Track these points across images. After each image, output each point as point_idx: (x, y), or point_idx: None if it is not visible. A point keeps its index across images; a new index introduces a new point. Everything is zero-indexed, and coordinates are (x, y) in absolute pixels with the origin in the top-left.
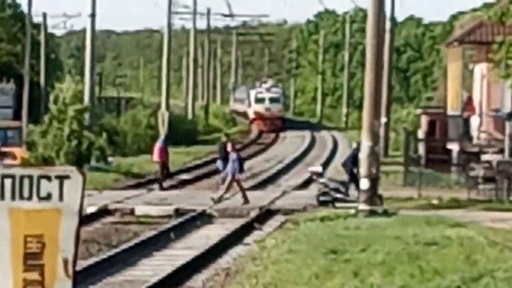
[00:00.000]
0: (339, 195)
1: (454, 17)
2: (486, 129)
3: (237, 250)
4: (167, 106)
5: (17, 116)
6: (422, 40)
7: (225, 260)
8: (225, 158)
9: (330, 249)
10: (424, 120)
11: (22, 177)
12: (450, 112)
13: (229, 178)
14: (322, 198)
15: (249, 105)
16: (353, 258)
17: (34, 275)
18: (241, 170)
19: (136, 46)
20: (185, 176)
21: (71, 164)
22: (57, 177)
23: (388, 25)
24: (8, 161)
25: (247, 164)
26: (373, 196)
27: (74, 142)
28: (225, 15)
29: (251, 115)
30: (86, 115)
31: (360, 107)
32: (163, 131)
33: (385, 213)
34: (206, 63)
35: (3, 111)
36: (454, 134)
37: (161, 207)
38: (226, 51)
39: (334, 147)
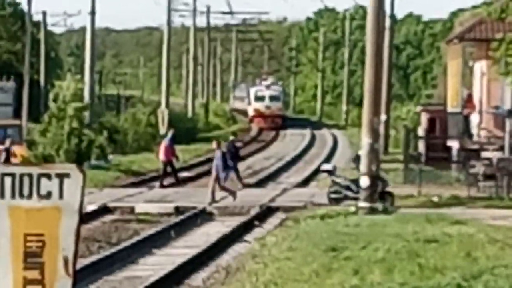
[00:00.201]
0: (350, 193)
1: (454, 14)
2: (486, 127)
3: (237, 248)
4: (167, 104)
5: (17, 114)
6: (422, 38)
7: (225, 258)
8: (234, 157)
9: (330, 246)
10: (424, 117)
11: (22, 176)
12: (450, 109)
13: (214, 175)
14: (333, 196)
15: (249, 103)
16: (353, 255)
17: (34, 274)
18: (225, 168)
19: (136, 44)
20: (185, 174)
21: (71, 162)
22: (57, 175)
23: (388, 22)
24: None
25: (247, 162)
26: (373, 193)
27: (74, 140)
28: (224, 13)
29: (251, 113)
30: (86, 113)
31: (360, 104)
32: (163, 129)
33: (385, 211)
34: (206, 61)
35: (3, 109)
36: (454, 132)
37: (161, 204)
38: (226, 48)
39: (334, 145)
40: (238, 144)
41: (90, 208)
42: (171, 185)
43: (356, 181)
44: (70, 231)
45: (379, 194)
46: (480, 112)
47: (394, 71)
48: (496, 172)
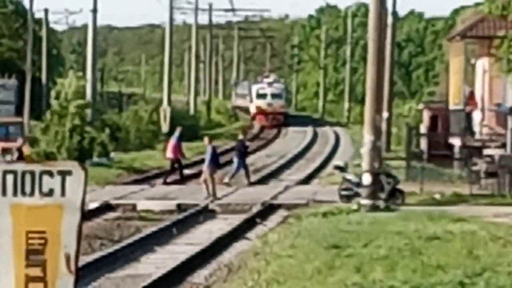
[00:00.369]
0: (361, 190)
1: (456, 12)
2: (488, 124)
3: (239, 245)
4: (169, 102)
5: (19, 111)
6: (424, 35)
7: (228, 255)
8: (243, 155)
9: (333, 244)
10: (426, 115)
11: (24, 173)
12: (452, 107)
13: (206, 172)
14: (344, 193)
15: (251, 100)
16: (356, 253)
17: (36, 271)
18: (216, 164)
19: (138, 42)
20: (187, 171)
21: (73, 160)
22: (59, 172)
23: (390, 19)
24: (9, 156)
25: (249, 160)
26: (376, 191)
27: (76, 138)
28: (226, 10)
29: (253, 110)
30: (88, 111)
31: (362, 102)
32: (165, 126)
33: (387, 208)
34: (208, 58)
35: (5, 107)
36: (456, 129)
37: (163, 202)
38: (228, 46)
39: (336, 143)
40: (206, 140)
41: (92, 205)
42: (175, 182)
43: None
44: (72, 228)
45: (390, 192)
46: (482, 110)
47: (396, 68)
48: (498, 170)
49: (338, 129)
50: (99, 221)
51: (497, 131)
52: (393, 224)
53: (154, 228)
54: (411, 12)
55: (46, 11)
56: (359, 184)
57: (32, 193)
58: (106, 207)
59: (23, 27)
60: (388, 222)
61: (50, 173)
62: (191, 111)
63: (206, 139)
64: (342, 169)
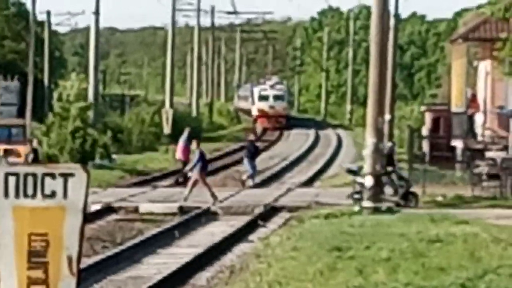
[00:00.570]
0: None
1: (458, 14)
2: (490, 126)
3: (242, 248)
4: (171, 104)
5: (21, 113)
6: (426, 37)
7: (230, 258)
8: (253, 156)
9: (335, 246)
10: (428, 117)
11: (26, 175)
12: (454, 109)
13: (196, 175)
14: (356, 196)
15: (253, 102)
16: (358, 255)
17: (38, 273)
18: (204, 168)
19: (140, 44)
20: (188, 174)
21: (75, 162)
22: (61, 174)
23: (392, 22)
24: (12, 158)
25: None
26: (379, 193)
27: (79, 140)
28: (229, 13)
29: (255, 112)
30: (90, 113)
31: (364, 104)
32: (167, 129)
33: (389, 211)
34: (210, 60)
35: (7, 109)
36: (458, 131)
37: (165, 204)
38: (230, 48)
39: (338, 145)
40: (194, 144)
41: (94, 207)
42: (179, 184)
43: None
44: (74, 230)
45: (403, 195)
46: (484, 112)
47: (398, 70)
48: (500, 172)
49: (340, 131)
50: (101, 223)
51: (499, 133)
52: (395, 226)
53: (156, 231)
54: (413, 15)
55: (48, 13)
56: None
57: (34, 195)
58: (108, 209)
59: (26, 29)
60: (390, 224)
61: (53, 175)
62: (193, 113)
63: (194, 143)
64: (354, 172)
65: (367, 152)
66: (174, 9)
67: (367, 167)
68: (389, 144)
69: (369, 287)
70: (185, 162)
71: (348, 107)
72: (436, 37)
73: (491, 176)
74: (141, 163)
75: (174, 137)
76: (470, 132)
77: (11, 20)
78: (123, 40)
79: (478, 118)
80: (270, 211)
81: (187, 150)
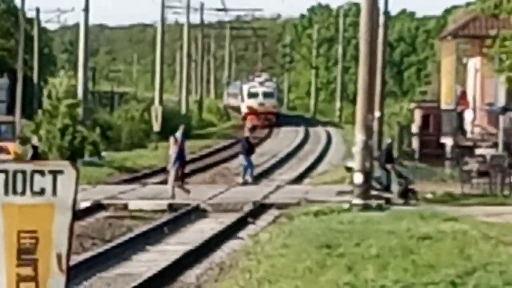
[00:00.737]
0: (373, 191)
1: (447, 11)
2: (480, 123)
3: (231, 245)
4: (161, 101)
5: (10, 111)
6: (416, 34)
7: (219, 255)
8: (248, 153)
9: (324, 243)
10: (418, 114)
11: (15, 172)
12: (444, 106)
13: (174, 170)
14: None
15: (242, 100)
16: (347, 252)
17: (27, 270)
18: (182, 164)
19: (129, 41)
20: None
21: (64, 159)
22: (51, 172)
23: (381, 19)
24: (1, 156)
25: (240, 159)
26: (367, 190)
27: (68, 137)
28: (218, 10)
29: (244, 110)
30: (80, 110)
31: (353, 101)
32: (157, 126)
33: (379, 208)
34: (200, 57)
35: None
36: (448, 128)
37: (154, 201)
38: (219, 45)
39: (327, 142)
40: (172, 140)
41: (83, 205)
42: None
43: (378, 179)
44: (63, 227)
45: (402, 192)
46: (474, 109)
47: (388, 68)
48: (489, 169)
49: (330, 128)
50: (90, 220)
51: (488, 130)
52: (384, 223)
53: (145, 228)
54: (403, 11)
55: (37, 10)
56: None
57: (23, 192)
58: (98, 207)
59: (15, 26)
60: (380, 221)
61: (42, 173)
62: (183, 111)
63: (172, 139)
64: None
65: (357, 149)
66: (163, 6)
67: (356, 164)
68: (388, 140)
69: (358, 284)
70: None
71: (338, 104)
72: (426, 34)
73: (481, 173)
74: (130, 160)
75: (163, 135)
76: (459, 129)
77: (0, 17)
78: (113, 37)
79: (468, 115)
80: (260, 208)
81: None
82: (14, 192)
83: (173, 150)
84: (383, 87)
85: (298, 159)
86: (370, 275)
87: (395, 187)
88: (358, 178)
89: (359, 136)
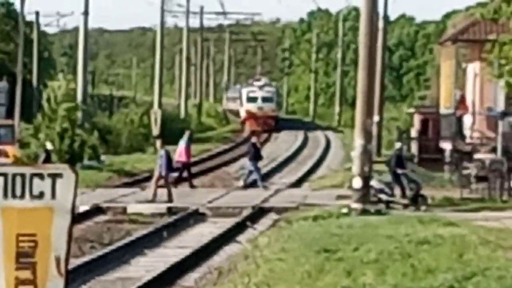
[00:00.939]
0: (384, 196)
1: (447, 16)
2: (479, 128)
3: (230, 249)
4: (160, 105)
5: (9, 114)
6: (415, 39)
7: (218, 259)
8: (254, 157)
9: (323, 247)
10: (417, 119)
11: (14, 176)
12: (443, 111)
13: (156, 175)
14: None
15: (241, 104)
16: (346, 256)
17: (26, 274)
18: (169, 168)
19: (129, 45)
20: (176, 175)
21: (63, 163)
22: (50, 175)
23: (381, 23)
24: (0, 159)
25: (240, 163)
26: (366, 194)
27: (67, 141)
28: (218, 14)
29: (243, 114)
30: (79, 114)
31: (353, 105)
32: (156, 130)
33: (378, 212)
34: (199, 61)
35: None
36: (447, 133)
37: (153, 205)
38: (219, 49)
39: (326, 146)
40: (159, 143)
41: (82, 208)
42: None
43: (389, 184)
44: (62, 231)
45: (413, 197)
46: (473, 114)
47: (387, 72)
48: (488, 174)
49: (328, 133)
50: (89, 224)
51: (487, 135)
52: (383, 228)
53: (144, 231)
54: (402, 16)
55: (37, 13)
56: (382, 190)
57: (22, 196)
58: (97, 210)
59: (14, 29)
60: (379, 226)
61: (41, 176)
62: (182, 114)
63: (158, 143)
64: None
65: (356, 153)
66: (163, 10)
67: (355, 168)
68: (398, 144)
69: None
70: (187, 164)
71: (337, 108)
72: (425, 39)
73: (480, 178)
74: (129, 164)
75: (162, 138)
76: (458, 134)
77: (0, 21)
78: (112, 41)
79: (467, 120)
80: (259, 213)
81: (189, 152)
82: (13, 195)
83: (160, 155)
84: (382, 91)
85: (297, 163)
86: (368, 279)
87: (406, 192)
88: (357, 182)
89: (358, 141)
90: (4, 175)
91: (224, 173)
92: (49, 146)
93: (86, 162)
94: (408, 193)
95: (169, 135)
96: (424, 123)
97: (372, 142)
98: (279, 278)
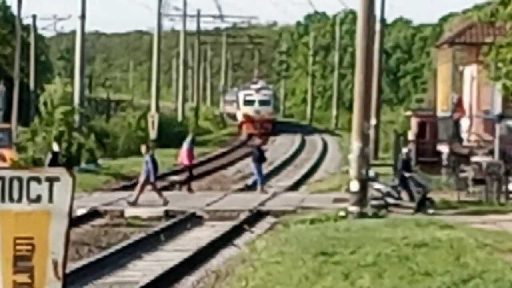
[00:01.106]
0: (391, 200)
1: (444, 19)
2: (476, 131)
3: (227, 252)
4: (157, 108)
5: (7, 118)
6: (412, 42)
7: (215, 262)
8: (259, 160)
9: (320, 251)
10: (414, 122)
11: (11, 179)
12: (440, 113)
13: (142, 180)
14: (374, 203)
15: (238, 107)
16: (343, 260)
17: (23, 277)
18: (155, 171)
19: (126, 48)
20: (174, 178)
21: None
22: (47, 179)
23: (378, 26)
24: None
25: (237, 166)
26: (363, 198)
27: (64, 144)
28: (215, 17)
29: (240, 118)
30: (76, 117)
31: (350, 109)
32: (153, 133)
33: (375, 215)
34: (196, 64)
35: None
36: (444, 136)
37: (151, 209)
38: (216, 52)
39: (324, 150)
40: (144, 148)
41: (80, 212)
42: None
43: (395, 188)
44: (59, 234)
45: (420, 201)
46: (470, 117)
47: (384, 75)
48: (485, 177)
49: (326, 136)
50: (86, 227)
51: (485, 138)
52: (380, 231)
53: (141, 235)
54: (399, 19)
55: (34, 17)
56: (389, 194)
57: (20, 199)
58: (94, 214)
59: (11, 33)
60: (376, 229)
61: (38, 179)
62: (179, 118)
63: (143, 147)
64: (372, 179)
65: (353, 156)
66: (160, 14)
67: (352, 171)
68: (405, 149)
69: None
70: (190, 167)
71: (334, 111)
72: (422, 42)
73: (477, 181)
74: (126, 168)
75: (160, 142)
76: (455, 136)
77: None
78: (109, 44)
79: (464, 123)
80: (256, 216)
81: (190, 155)
82: (11, 199)
83: (146, 160)
84: (379, 94)
85: (294, 167)
86: (366, 282)
87: (413, 196)
88: (354, 185)
89: (355, 144)
90: (2, 178)
91: (222, 176)
92: (55, 148)
93: (83, 165)
94: (416, 196)
95: (166, 138)
96: (421, 126)
97: (369, 145)
98: (277, 281)
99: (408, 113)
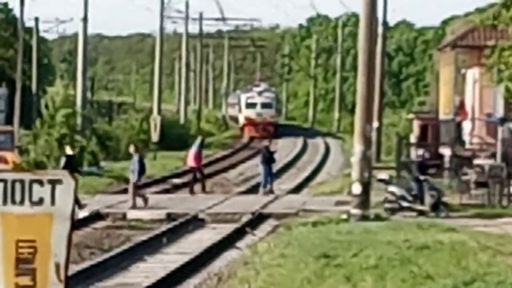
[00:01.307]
0: (405, 203)
1: (446, 22)
2: (478, 134)
3: (229, 255)
4: (159, 111)
5: (9, 120)
6: (414, 45)
7: (217, 265)
8: (268, 162)
9: (322, 253)
10: (416, 124)
11: (14, 182)
12: (442, 116)
13: (132, 182)
14: (388, 206)
15: (240, 110)
16: (345, 262)
17: (26, 280)
18: (141, 172)
19: (128, 51)
20: (177, 180)
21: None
22: (49, 181)
23: (380, 29)
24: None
25: (239, 169)
26: (366, 200)
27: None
28: (217, 19)
29: (242, 120)
30: (78, 120)
31: (352, 111)
32: (155, 136)
33: (377, 218)
34: (198, 67)
35: None
36: (446, 139)
37: (153, 211)
38: (218, 55)
39: (326, 152)
40: (132, 148)
41: (82, 214)
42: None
43: (410, 190)
44: (62, 237)
45: (434, 204)
46: (473, 119)
47: (386, 78)
48: (488, 180)
49: (328, 139)
50: (89, 230)
51: (487, 141)
52: (383, 233)
53: (143, 237)
54: (401, 22)
55: (36, 20)
56: (403, 197)
57: (22, 202)
58: (96, 216)
59: (14, 36)
60: (378, 231)
61: (40, 182)
62: (181, 120)
63: (131, 147)
64: (386, 182)
65: (355, 159)
66: (162, 16)
67: (354, 174)
68: (420, 151)
69: None
70: (197, 170)
71: (336, 114)
72: (424, 45)
73: (479, 184)
74: (128, 170)
75: (162, 144)
76: (458, 139)
77: None
78: (111, 47)
79: (466, 126)
80: (258, 219)
81: (199, 157)
82: (13, 201)
83: (134, 160)
84: (382, 97)
85: (296, 169)
86: (368, 285)
87: (427, 199)
88: (357, 188)
89: (357, 146)
90: (4, 181)
91: (224, 179)
92: (69, 151)
93: (85, 168)
94: (429, 200)
95: (168, 140)
96: (424, 129)
97: (372, 148)
98: (279, 284)
99: (410, 116)
